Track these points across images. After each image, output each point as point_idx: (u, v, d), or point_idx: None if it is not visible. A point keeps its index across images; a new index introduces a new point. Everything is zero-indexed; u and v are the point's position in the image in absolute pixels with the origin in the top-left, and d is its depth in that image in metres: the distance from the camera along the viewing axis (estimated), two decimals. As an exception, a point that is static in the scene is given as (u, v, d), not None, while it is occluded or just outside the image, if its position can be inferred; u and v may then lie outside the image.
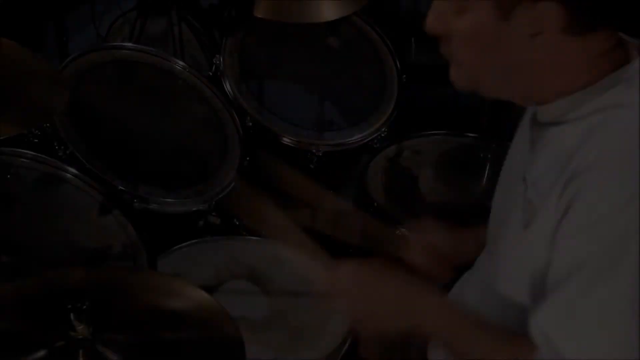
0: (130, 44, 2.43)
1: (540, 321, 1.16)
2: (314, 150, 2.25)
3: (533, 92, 1.25)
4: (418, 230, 1.68)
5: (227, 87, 2.28)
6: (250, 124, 2.24)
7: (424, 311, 1.33)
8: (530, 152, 1.31)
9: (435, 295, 1.34)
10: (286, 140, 2.25)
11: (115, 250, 1.81)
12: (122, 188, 1.92)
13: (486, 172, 2.40)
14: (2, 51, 1.60)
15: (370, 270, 1.39)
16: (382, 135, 2.36)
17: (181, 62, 2.30)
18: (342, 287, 1.39)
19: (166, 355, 1.27)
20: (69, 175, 1.86)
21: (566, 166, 1.16)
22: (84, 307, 1.19)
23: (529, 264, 1.25)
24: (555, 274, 1.16)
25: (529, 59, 1.18)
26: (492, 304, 1.40)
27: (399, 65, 2.50)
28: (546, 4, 1.12)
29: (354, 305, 1.39)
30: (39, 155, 1.85)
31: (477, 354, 1.27)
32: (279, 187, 1.61)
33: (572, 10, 1.12)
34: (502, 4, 1.15)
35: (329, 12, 2.39)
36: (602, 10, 1.14)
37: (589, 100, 1.19)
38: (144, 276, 1.47)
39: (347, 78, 2.50)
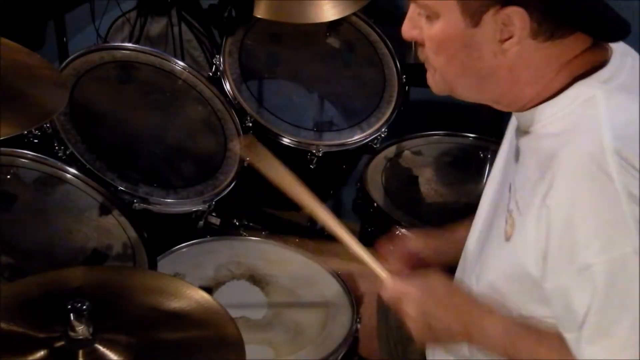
0: (130, 44, 2.43)
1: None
2: (314, 151, 2.25)
3: (508, 98, 1.26)
4: (397, 240, 1.69)
5: (227, 87, 2.28)
6: (250, 124, 2.24)
7: (482, 329, 1.33)
8: (515, 161, 1.31)
9: (492, 313, 1.33)
10: (286, 140, 2.25)
11: (115, 250, 1.80)
12: (122, 188, 1.91)
13: (486, 172, 2.40)
14: (1, 51, 1.60)
15: (433, 284, 1.41)
16: (382, 135, 2.36)
17: (181, 63, 2.30)
18: (407, 300, 1.40)
19: (166, 356, 1.27)
20: (68, 175, 1.86)
21: (543, 176, 1.16)
22: (84, 307, 1.19)
23: (513, 273, 1.25)
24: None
25: (500, 65, 1.20)
26: None
27: (398, 66, 2.51)
28: (512, 9, 1.13)
29: (417, 319, 1.39)
30: (39, 155, 1.84)
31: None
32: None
33: (538, 16, 1.13)
34: (471, 10, 1.16)
35: (329, 12, 2.40)
36: (568, 15, 1.14)
37: (559, 110, 1.19)
38: (144, 276, 1.47)
39: (347, 78, 2.50)
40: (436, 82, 1.28)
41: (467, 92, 1.29)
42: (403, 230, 2.04)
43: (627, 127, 1.13)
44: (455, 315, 1.37)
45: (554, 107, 1.20)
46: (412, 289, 1.41)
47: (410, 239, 1.71)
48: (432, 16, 1.21)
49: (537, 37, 1.16)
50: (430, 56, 1.25)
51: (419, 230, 1.79)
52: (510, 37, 1.16)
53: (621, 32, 1.20)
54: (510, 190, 1.30)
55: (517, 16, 1.14)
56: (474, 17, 1.16)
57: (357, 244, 1.56)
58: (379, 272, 1.50)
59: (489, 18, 1.15)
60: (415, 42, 1.27)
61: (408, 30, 1.27)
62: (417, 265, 1.61)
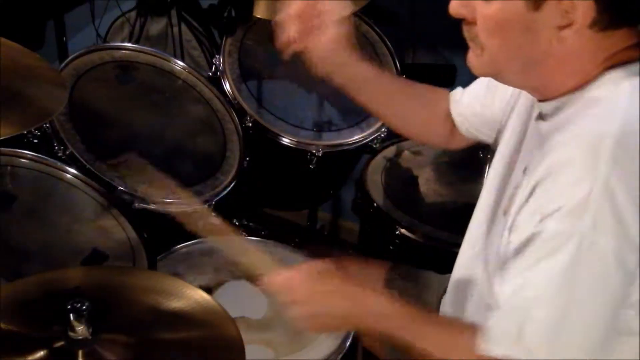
0: (130, 44, 2.43)
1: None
2: (314, 151, 2.25)
3: (550, 87, 1.24)
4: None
5: (227, 87, 2.28)
6: (250, 124, 2.24)
7: (370, 312, 1.34)
8: (538, 148, 1.30)
9: (380, 295, 1.35)
10: (286, 140, 2.25)
11: (114, 250, 1.80)
12: (121, 188, 1.91)
13: (485, 172, 2.40)
14: (1, 51, 1.60)
15: (318, 270, 1.40)
16: (382, 135, 2.36)
17: (181, 63, 2.30)
18: (291, 286, 1.40)
19: (166, 356, 1.27)
20: (68, 175, 1.86)
21: (542, 152, 1.18)
22: (84, 307, 1.19)
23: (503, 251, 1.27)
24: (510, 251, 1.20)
25: (553, 53, 1.18)
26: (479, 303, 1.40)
27: (398, 66, 2.51)
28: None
29: (301, 304, 1.39)
30: (39, 155, 1.85)
31: (431, 350, 1.29)
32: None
33: (602, 5, 1.12)
34: None
35: (328, 12, 2.39)
36: (630, 7, 1.13)
37: (590, 91, 1.19)
38: (143, 277, 1.47)
39: (347, 78, 2.49)
40: (481, 63, 1.25)
41: (513, 76, 1.27)
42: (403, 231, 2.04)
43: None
44: (337, 297, 1.37)
45: (582, 92, 1.19)
46: (294, 273, 1.40)
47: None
48: None
49: (593, 27, 1.14)
50: (482, 36, 1.22)
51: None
52: (569, 25, 1.15)
53: None
54: (525, 172, 1.29)
55: (583, 5, 1.12)
56: (536, 0, 1.15)
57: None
58: (264, 264, 1.50)
59: (551, 3, 1.14)
60: (463, 20, 1.24)
61: (458, 6, 1.23)
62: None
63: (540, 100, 1.28)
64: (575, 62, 1.19)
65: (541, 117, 1.29)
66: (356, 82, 1.63)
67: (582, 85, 1.20)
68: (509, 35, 1.20)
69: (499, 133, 1.50)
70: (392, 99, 1.67)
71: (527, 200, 1.18)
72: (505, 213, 1.29)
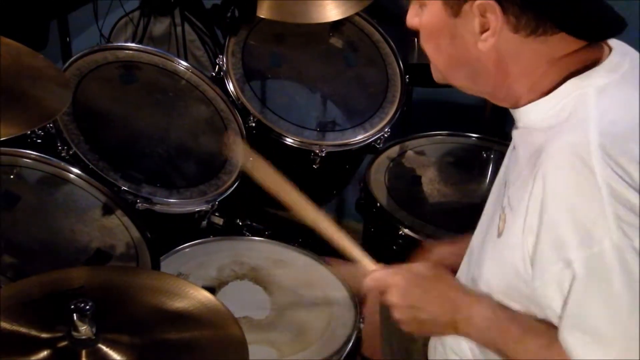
0: (133, 44, 2.44)
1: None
2: (317, 151, 2.25)
3: (501, 92, 1.27)
4: (423, 250, 1.68)
5: (230, 87, 2.29)
6: (253, 124, 2.24)
7: (469, 319, 1.33)
8: (510, 157, 1.32)
9: (481, 302, 1.33)
10: (289, 140, 2.25)
11: (118, 250, 1.80)
12: (125, 188, 1.91)
13: (489, 173, 2.40)
14: (4, 51, 1.60)
15: (420, 274, 1.41)
16: (385, 135, 2.36)
17: (184, 63, 2.30)
18: (393, 291, 1.40)
19: (169, 356, 1.27)
20: (72, 175, 1.86)
21: (532, 171, 1.17)
22: (87, 307, 1.19)
23: (503, 271, 1.25)
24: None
25: (486, 57, 1.20)
26: None
27: (401, 66, 2.51)
28: (485, 2, 1.15)
29: (404, 309, 1.40)
30: (42, 155, 1.84)
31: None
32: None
33: (515, 10, 1.14)
34: (450, 1, 1.18)
35: (332, 12, 2.40)
36: (543, 11, 1.14)
37: (551, 106, 1.20)
38: (147, 276, 1.47)
39: (350, 79, 2.49)
40: (434, 72, 1.31)
41: (461, 83, 1.30)
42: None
43: (616, 125, 1.13)
44: (441, 304, 1.37)
45: (546, 103, 1.21)
46: (398, 278, 1.41)
47: (434, 247, 1.70)
48: (422, 4, 1.25)
49: (519, 31, 1.16)
50: (423, 44, 1.28)
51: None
52: (487, 29, 1.17)
53: (608, 30, 1.20)
54: (505, 186, 1.31)
55: (489, 8, 1.15)
56: (454, 7, 1.18)
57: (343, 236, 1.56)
58: (366, 263, 1.51)
59: (467, 8, 1.17)
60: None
61: (410, 17, 1.29)
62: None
63: (511, 107, 1.30)
64: (516, 67, 1.21)
65: (515, 125, 1.30)
66: None
67: (540, 90, 1.21)
68: (440, 42, 1.25)
69: None
70: None
71: (537, 238, 1.16)
72: (500, 235, 1.28)
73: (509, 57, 1.20)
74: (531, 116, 1.24)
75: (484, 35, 1.18)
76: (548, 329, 1.22)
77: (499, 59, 1.21)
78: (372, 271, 1.49)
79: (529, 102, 1.23)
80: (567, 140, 1.13)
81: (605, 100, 1.16)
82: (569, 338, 1.15)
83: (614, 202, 1.07)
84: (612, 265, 1.08)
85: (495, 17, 1.15)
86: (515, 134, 1.32)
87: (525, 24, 1.15)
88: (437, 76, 1.31)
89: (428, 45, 1.27)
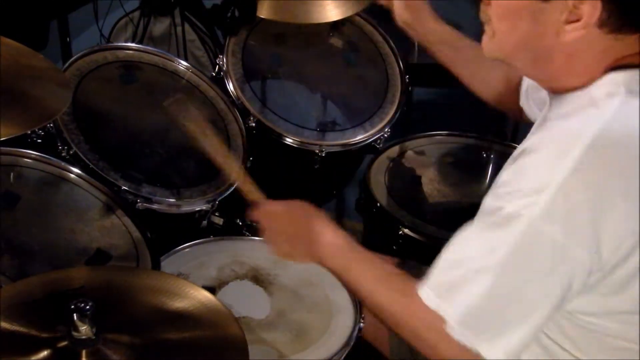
0: (133, 44, 2.43)
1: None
2: (317, 151, 2.25)
3: (558, 82, 1.24)
4: None
5: (230, 87, 2.28)
6: (253, 124, 2.24)
7: (325, 244, 1.47)
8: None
9: (338, 232, 1.47)
10: (289, 140, 2.25)
11: (118, 250, 1.80)
12: (125, 188, 1.91)
13: (489, 173, 2.40)
14: (5, 51, 1.60)
15: (295, 205, 1.57)
16: (385, 135, 2.36)
17: (184, 63, 2.30)
18: (268, 215, 1.59)
19: (169, 356, 1.27)
20: (72, 175, 1.86)
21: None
22: (87, 307, 1.19)
23: None
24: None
25: (560, 48, 1.18)
26: None
27: (402, 66, 2.50)
28: None
29: (272, 231, 1.58)
30: (42, 155, 1.84)
31: (362, 291, 1.40)
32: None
33: (610, 7, 1.12)
34: None
35: (332, 12, 2.40)
36: (636, 13, 1.13)
37: (586, 93, 1.19)
38: (147, 276, 1.47)
39: (350, 79, 2.49)
40: (491, 46, 1.27)
41: (522, 65, 1.28)
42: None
43: (622, 134, 1.13)
44: (304, 227, 1.51)
45: (584, 91, 1.20)
46: (275, 205, 1.59)
47: None
48: None
49: (603, 27, 1.14)
50: (494, 19, 1.24)
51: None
52: (576, 20, 1.15)
53: None
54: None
55: (590, 1, 1.12)
56: None
57: (238, 168, 1.78)
58: (256, 194, 1.66)
59: None
60: (481, 1, 1.26)
61: None
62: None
63: (554, 92, 1.28)
64: (583, 61, 1.19)
65: (550, 108, 1.29)
66: (434, 39, 1.83)
67: (586, 84, 1.20)
68: (517, 22, 1.21)
69: None
70: (468, 63, 1.80)
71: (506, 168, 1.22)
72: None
73: (582, 51, 1.18)
74: (565, 102, 1.23)
75: (571, 26, 1.15)
76: (402, 274, 1.36)
77: (571, 51, 1.19)
78: (259, 201, 1.63)
79: (570, 90, 1.23)
80: (571, 125, 1.15)
81: (627, 107, 1.15)
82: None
83: (559, 192, 1.10)
84: (516, 226, 1.13)
85: (593, 11, 1.13)
86: (547, 117, 1.30)
87: (612, 21, 1.14)
88: (493, 52, 1.28)
89: (502, 23, 1.23)
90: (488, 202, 1.21)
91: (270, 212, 1.59)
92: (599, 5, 1.12)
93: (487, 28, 1.26)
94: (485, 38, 1.28)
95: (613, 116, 1.14)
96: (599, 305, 1.20)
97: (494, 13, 1.23)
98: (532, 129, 1.38)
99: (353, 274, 1.42)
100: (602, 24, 1.14)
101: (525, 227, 1.12)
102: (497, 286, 1.16)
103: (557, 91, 1.26)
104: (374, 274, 1.39)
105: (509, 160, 1.26)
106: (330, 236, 1.47)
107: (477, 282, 1.17)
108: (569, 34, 1.16)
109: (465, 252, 1.22)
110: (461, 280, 1.20)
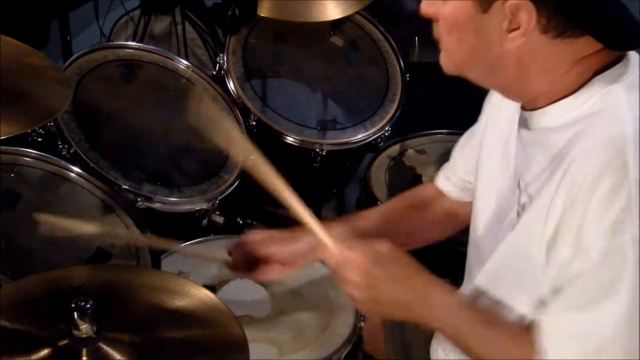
0: (134, 43, 2.43)
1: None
2: (318, 150, 2.25)
3: (516, 88, 1.26)
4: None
5: (231, 86, 2.29)
6: (254, 123, 2.24)
7: (432, 306, 1.30)
8: (523, 158, 1.31)
9: (445, 291, 1.30)
10: (290, 139, 2.25)
11: (118, 249, 1.81)
12: (125, 187, 1.91)
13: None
14: (5, 50, 1.61)
15: (383, 254, 1.31)
16: (386, 134, 2.36)
17: (185, 61, 2.30)
18: (353, 267, 1.30)
19: (170, 355, 1.27)
20: (72, 174, 1.87)
21: (559, 165, 1.17)
22: (88, 306, 1.19)
23: (522, 264, 1.25)
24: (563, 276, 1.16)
25: (508, 55, 1.19)
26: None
27: (402, 65, 2.51)
28: (521, 2, 1.13)
29: (362, 288, 1.30)
30: (43, 154, 1.85)
31: (486, 354, 1.26)
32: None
33: (547, 12, 1.13)
34: None
35: (332, 11, 2.40)
36: (577, 16, 1.13)
37: (578, 106, 1.19)
38: (147, 275, 1.47)
39: (350, 77, 2.49)
40: (446, 62, 1.28)
41: (476, 77, 1.28)
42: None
43: None
44: (402, 287, 1.30)
45: (570, 103, 1.19)
46: (358, 255, 1.30)
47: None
48: None
49: (547, 32, 1.15)
50: (442, 35, 1.25)
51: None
52: (517, 28, 1.16)
53: (635, 41, 1.19)
54: (519, 187, 1.30)
55: (524, 9, 1.13)
56: (484, 3, 1.16)
57: (305, 211, 1.42)
58: (325, 238, 1.37)
59: (498, 6, 1.15)
60: (432, 20, 1.27)
61: (426, 6, 1.25)
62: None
63: (524, 109, 1.28)
64: (536, 65, 1.20)
65: (525, 125, 1.29)
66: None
67: (562, 90, 1.20)
68: (463, 36, 1.22)
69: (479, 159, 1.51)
70: (398, 226, 1.65)
71: (561, 217, 1.16)
72: (514, 228, 1.28)
73: (532, 57, 1.19)
74: (551, 116, 1.23)
75: (512, 34, 1.16)
76: (515, 325, 1.24)
77: (520, 58, 1.19)
78: (331, 246, 1.35)
79: (549, 102, 1.22)
80: (602, 133, 1.13)
81: (634, 95, 1.16)
82: (563, 315, 1.16)
83: None
84: (632, 258, 1.08)
85: (529, 18, 1.13)
86: (525, 134, 1.30)
87: (554, 26, 1.14)
88: (448, 67, 1.28)
89: (450, 37, 1.24)
90: (567, 255, 1.15)
91: (351, 257, 1.31)
92: (533, 11, 1.13)
93: (441, 46, 1.27)
94: (441, 56, 1.28)
95: (632, 107, 1.14)
96: None
97: (441, 29, 1.24)
98: (521, 165, 1.33)
99: (474, 337, 1.29)
100: (544, 29, 1.15)
101: (633, 252, 1.09)
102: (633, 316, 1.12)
103: (533, 105, 1.26)
104: (501, 335, 1.28)
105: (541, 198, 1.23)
106: (437, 291, 1.30)
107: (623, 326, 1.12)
108: (512, 42, 1.17)
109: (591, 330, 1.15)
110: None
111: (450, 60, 1.27)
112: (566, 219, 1.14)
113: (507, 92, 1.29)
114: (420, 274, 1.31)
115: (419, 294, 1.30)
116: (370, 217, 1.65)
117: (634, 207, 1.08)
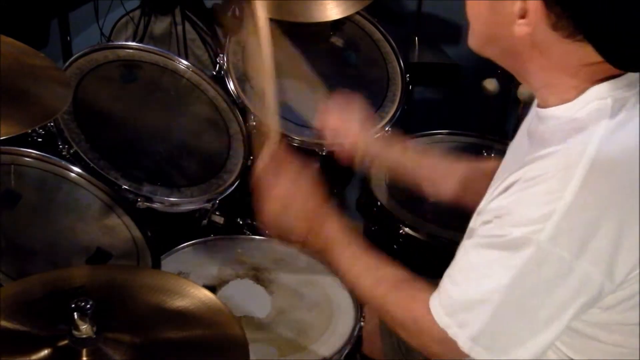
0: (134, 43, 2.43)
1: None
2: (318, 150, 2.25)
3: (530, 80, 1.27)
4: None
5: (231, 86, 2.28)
6: (254, 123, 2.24)
7: (322, 230, 1.48)
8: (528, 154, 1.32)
9: (338, 223, 1.49)
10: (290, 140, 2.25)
11: (118, 249, 1.81)
12: (126, 187, 1.91)
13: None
14: (5, 50, 1.61)
15: (299, 186, 1.52)
16: (386, 134, 2.36)
17: (185, 62, 2.30)
18: (273, 185, 1.52)
19: (170, 355, 1.27)
20: (72, 174, 1.86)
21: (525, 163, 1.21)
22: (88, 306, 1.19)
23: None
24: None
25: (521, 41, 1.20)
26: None
27: (402, 65, 2.50)
28: None
29: (272, 202, 1.51)
30: (43, 154, 1.85)
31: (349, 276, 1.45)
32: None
33: (557, 11, 1.13)
34: None
35: (332, 11, 2.40)
36: (580, 24, 1.13)
37: (577, 109, 1.20)
38: (147, 275, 1.47)
39: (350, 77, 2.49)
40: (470, 39, 1.30)
41: (493, 55, 1.29)
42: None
43: (618, 146, 1.15)
44: (304, 211, 1.50)
45: (569, 110, 1.21)
46: (282, 182, 1.53)
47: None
48: None
49: (557, 30, 1.15)
50: (467, 11, 1.28)
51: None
52: (524, 15, 1.16)
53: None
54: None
55: (532, 3, 1.14)
56: None
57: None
58: (266, 153, 1.61)
59: None
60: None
61: None
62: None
63: (539, 106, 1.29)
64: (549, 62, 1.20)
65: (539, 120, 1.30)
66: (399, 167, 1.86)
67: (566, 95, 1.21)
68: (480, 10, 1.24)
69: None
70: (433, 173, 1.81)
71: (502, 193, 1.22)
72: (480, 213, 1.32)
73: (544, 50, 1.19)
74: (552, 118, 1.24)
75: (521, 21, 1.17)
76: (394, 275, 1.40)
77: (533, 48, 1.20)
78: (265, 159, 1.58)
79: (551, 105, 1.24)
80: (568, 148, 1.15)
81: (620, 115, 1.17)
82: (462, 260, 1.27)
83: (566, 216, 1.11)
84: (525, 252, 1.14)
85: (535, 10, 1.14)
86: (539, 127, 1.31)
87: (563, 26, 1.14)
88: (471, 43, 1.30)
89: (471, 14, 1.27)
90: (490, 228, 1.22)
91: (275, 183, 1.54)
92: (540, 8, 1.14)
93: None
94: (469, 32, 1.31)
95: (611, 129, 1.16)
96: (601, 318, 1.21)
97: (467, 6, 1.27)
98: (514, 145, 1.42)
99: (355, 272, 1.45)
100: (555, 27, 1.15)
101: (534, 250, 1.13)
102: (507, 306, 1.18)
103: (542, 102, 1.27)
104: (378, 275, 1.42)
105: (498, 184, 1.26)
106: (336, 228, 1.49)
107: (487, 303, 1.19)
108: (519, 28, 1.18)
109: (472, 273, 1.23)
110: (470, 301, 1.22)
111: (472, 36, 1.29)
112: (503, 196, 1.21)
113: (521, 78, 1.31)
114: (320, 207, 1.51)
115: (319, 220, 1.50)
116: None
117: (554, 220, 1.12)
